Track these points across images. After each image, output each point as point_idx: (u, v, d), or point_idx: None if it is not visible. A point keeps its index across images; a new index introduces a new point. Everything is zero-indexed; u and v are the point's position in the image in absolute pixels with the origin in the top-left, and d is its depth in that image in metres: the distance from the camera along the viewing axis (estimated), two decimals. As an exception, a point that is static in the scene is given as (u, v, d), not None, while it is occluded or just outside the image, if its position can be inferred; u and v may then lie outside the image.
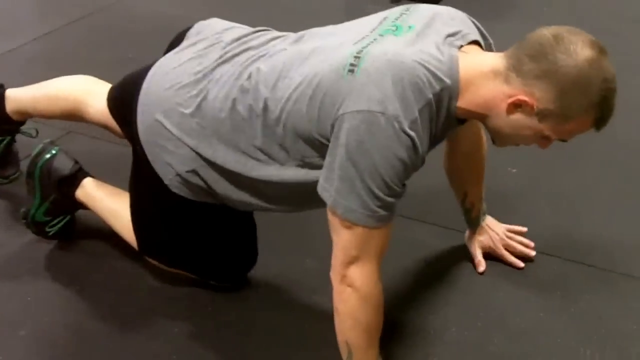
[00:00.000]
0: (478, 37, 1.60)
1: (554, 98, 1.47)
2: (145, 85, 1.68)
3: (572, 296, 2.00)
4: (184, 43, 1.74)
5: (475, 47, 1.58)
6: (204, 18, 1.88)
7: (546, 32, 1.48)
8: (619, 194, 2.36)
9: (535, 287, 2.03)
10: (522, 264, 2.06)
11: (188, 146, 1.62)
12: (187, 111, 1.60)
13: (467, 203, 2.04)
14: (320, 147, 1.50)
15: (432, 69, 1.45)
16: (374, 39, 1.50)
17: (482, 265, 2.05)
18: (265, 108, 1.53)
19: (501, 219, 2.15)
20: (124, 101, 1.77)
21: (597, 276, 2.06)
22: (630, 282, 2.02)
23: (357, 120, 1.40)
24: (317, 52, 1.53)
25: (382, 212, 1.45)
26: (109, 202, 1.98)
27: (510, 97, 1.49)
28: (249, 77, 1.56)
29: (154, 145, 1.66)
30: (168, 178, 1.67)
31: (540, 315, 1.95)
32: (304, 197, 1.59)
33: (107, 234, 2.10)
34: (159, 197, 1.72)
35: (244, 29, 1.75)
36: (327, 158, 1.46)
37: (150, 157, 1.68)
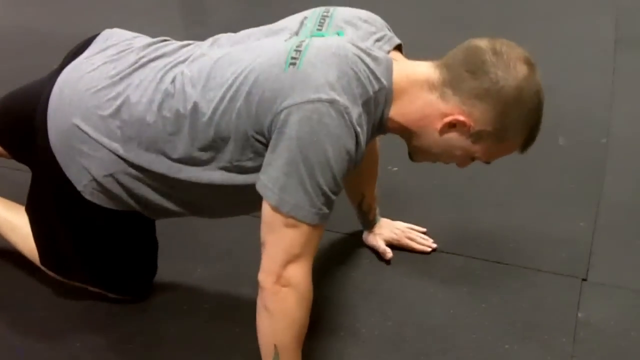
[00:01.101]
0: (399, 41, 1.55)
1: (493, 119, 1.43)
2: (56, 89, 1.58)
3: (481, 292, 1.93)
4: (93, 48, 1.66)
5: (399, 54, 1.54)
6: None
7: (482, 45, 1.43)
8: (505, 184, 2.34)
9: (442, 284, 1.96)
10: (429, 249, 2.04)
11: (107, 149, 1.54)
12: (106, 113, 1.53)
13: (364, 205, 1.99)
14: (253, 146, 1.43)
15: (372, 67, 1.41)
16: (307, 38, 1.45)
17: (389, 252, 2.01)
18: (195, 109, 1.46)
19: (396, 220, 2.12)
20: (22, 110, 1.67)
21: (504, 271, 2.00)
22: (539, 275, 1.98)
23: (308, 111, 1.33)
24: (248, 51, 1.47)
25: (325, 209, 1.39)
26: (6, 214, 1.88)
27: (446, 116, 1.44)
28: (173, 80, 1.50)
29: (69, 149, 1.56)
30: (82, 184, 1.58)
31: (451, 311, 1.88)
32: (233, 199, 1.55)
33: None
34: (66, 207, 1.65)
35: (150, 38, 1.69)
36: (269, 155, 1.38)
37: (62, 163, 1.57)
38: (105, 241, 1.71)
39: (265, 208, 1.39)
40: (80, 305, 1.89)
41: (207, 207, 1.63)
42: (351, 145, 1.35)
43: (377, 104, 1.42)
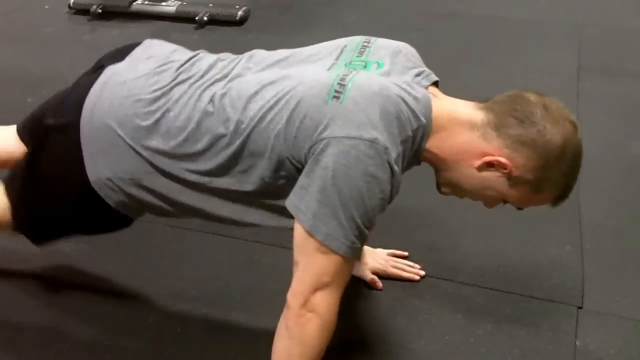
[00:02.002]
0: (437, 78, 1.57)
1: (534, 169, 1.44)
2: (96, 87, 1.58)
3: (476, 318, 1.88)
4: (136, 56, 1.65)
5: (436, 89, 1.56)
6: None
7: (533, 98, 1.46)
8: (481, 205, 2.21)
9: (435, 310, 1.91)
10: (418, 277, 1.99)
11: (140, 155, 1.53)
12: (144, 124, 1.52)
13: None
14: (287, 169, 1.44)
15: (412, 106, 1.42)
16: (350, 71, 1.46)
17: (378, 281, 1.97)
18: (236, 130, 1.46)
19: (378, 244, 2.07)
20: (55, 104, 1.67)
21: (496, 297, 1.95)
22: (533, 302, 1.94)
23: (347, 146, 1.35)
24: (289, 77, 1.48)
25: (358, 243, 1.40)
26: None
27: (486, 154, 1.46)
28: (211, 100, 1.50)
29: (99, 145, 1.55)
30: (98, 177, 1.56)
31: (447, 338, 1.83)
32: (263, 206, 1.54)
33: None
34: (67, 188, 1.62)
35: (187, 51, 1.71)
36: (303, 179, 1.40)
37: (86, 153, 1.56)
38: (87, 223, 1.70)
39: (298, 229, 1.40)
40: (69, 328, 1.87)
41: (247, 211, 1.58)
42: (386, 185, 1.37)
43: (414, 141, 1.44)
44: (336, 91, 1.39)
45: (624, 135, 2.64)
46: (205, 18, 3.58)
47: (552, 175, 1.45)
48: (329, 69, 1.48)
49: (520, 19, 3.49)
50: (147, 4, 3.79)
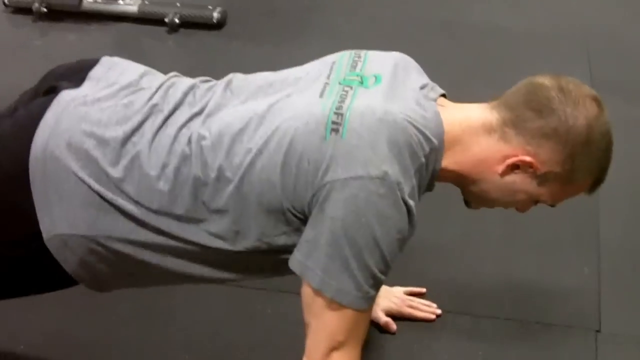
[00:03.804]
0: (442, 91, 1.46)
1: (562, 160, 1.35)
2: (50, 118, 1.35)
3: (497, 353, 1.86)
4: (97, 77, 1.45)
5: (446, 100, 1.45)
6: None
7: (547, 82, 1.36)
8: (498, 235, 2.23)
9: (454, 349, 1.88)
10: (433, 316, 1.92)
11: (112, 205, 1.33)
12: (112, 170, 1.33)
13: None
14: (289, 221, 1.32)
15: (422, 128, 1.31)
16: (346, 92, 1.34)
17: (391, 324, 1.89)
18: (219, 177, 1.31)
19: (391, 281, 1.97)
20: None
21: (515, 328, 1.93)
22: (552, 330, 1.91)
23: (354, 189, 1.23)
24: (278, 110, 1.34)
25: (373, 292, 1.30)
26: None
27: (508, 157, 1.36)
28: (189, 141, 1.34)
29: (54, 190, 1.33)
30: (53, 233, 1.34)
31: None
32: (262, 267, 1.42)
33: None
34: (11, 241, 1.38)
35: (157, 74, 1.52)
36: (309, 231, 1.28)
37: (39, 203, 1.33)
38: (23, 283, 1.48)
39: (306, 289, 1.30)
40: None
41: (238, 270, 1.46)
42: (403, 224, 1.27)
43: (427, 167, 1.34)
44: (334, 122, 1.27)
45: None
46: (176, 20, 3.26)
47: (583, 163, 1.35)
48: (321, 95, 1.34)
49: (520, 30, 3.32)
50: (100, 3, 3.39)
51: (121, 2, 3.37)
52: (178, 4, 3.33)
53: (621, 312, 1.94)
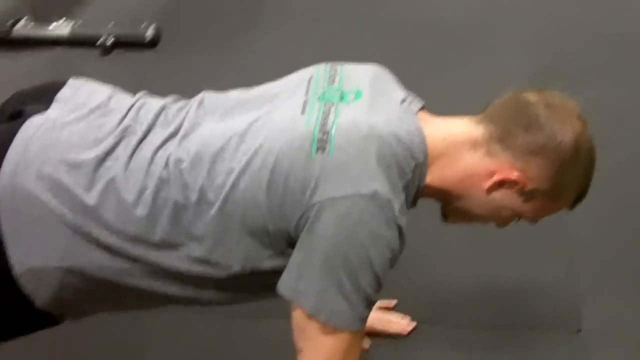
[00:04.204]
0: (422, 102, 1.43)
1: (549, 177, 1.32)
2: (19, 145, 1.29)
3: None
4: (64, 100, 1.40)
5: (425, 113, 1.41)
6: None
7: (534, 98, 1.34)
8: (464, 238, 2.09)
9: (435, 359, 1.82)
10: (407, 330, 1.87)
11: (86, 237, 1.27)
12: (87, 197, 1.27)
13: None
14: (274, 243, 1.27)
15: (407, 143, 1.28)
16: (328, 108, 1.30)
17: (365, 342, 1.80)
18: (200, 200, 1.26)
19: None
20: None
21: (494, 335, 1.87)
22: (532, 333, 1.87)
23: (346, 208, 1.20)
24: (259, 127, 1.30)
25: (366, 312, 1.27)
26: None
27: (495, 173, 1.33)
28: (167, 163, 1.28)
29: (25, 221, 1.27)
30: (25, 267, 1.27)
31: None
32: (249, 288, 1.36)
33: None
34: None
35: (125, 95, 1.46)
36: (298, 254, 1.24)
37: (8, 236, 1.26)
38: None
39: (297, 313, 1.25)
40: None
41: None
42: (395, 243, 1.24)
43: (413, 182, 1.30)
44: (319, 140, 1.23)
45: (599, 146, 2.53)
46: (110, 41, 3.17)
47: (569, 179, 1.34)
48: (303, 111, 1.30)
49: (459, 21, 3.23)
50: (31, 29, 3.29)
51: (52, 26, 3.28)
52: (112, 24, 3.25)
53: (599, 310, 1.90)
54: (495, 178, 1.32)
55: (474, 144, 1.33)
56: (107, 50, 3.18)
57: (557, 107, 1.32)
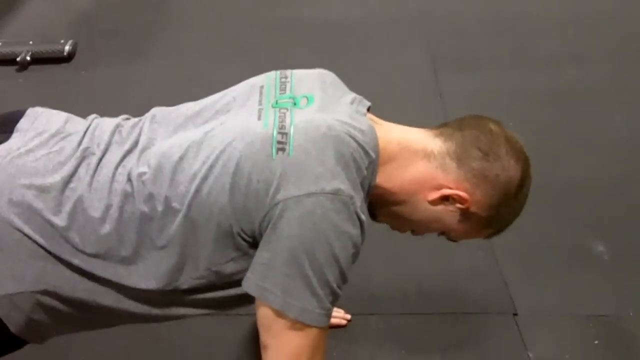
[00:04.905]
0: (369, 103, 1.46)
1: (491, 206, 1.36)
2: None
3: (421, 350, 1.83)
4: (25, 128, 1.41)
5: (372, 115, 1.43)
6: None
7: (495, 129, 1.37)
8: (380, 225, 2.14)
9: (376, 352, 1.83)
10: (344, 322, 1.91)
11: (58, 259, 1.28)
12: (56, 219, 1.28)
13: None
14: (238, 245, 1.28)
15: (361, 142, 1.30)
16: (283, 113, 1.32)
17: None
18: (166, 210, 1.28)
19: None
20: None
21: (430, 321, 1.91)
22: (469, 318, 1.91)
23: (309, 205, 1.20)
24: (217, 134, 1.31)
25: (332, 307, 1.28)
26: None
27: (444, 187, 1.35)
28: (129, 178, 1.31)
29: None
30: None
31: None
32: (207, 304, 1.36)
33: None
34: None
35: (79, 119, 1.47)
36: (262, 253, 1.24)
37: None
38: None
39: (264, 311, 1.25)
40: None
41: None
42: (357, 238, 1.25)
43: (368, 179, 1.32)
44: (279, 142, 1.24)
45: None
46: (28, 58, 3.20)
47: (504, 214, 1.39)
48: (259, 117, 1.32)
49: (356, 20, 3.40)
50: None
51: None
52: (31, 42, 3.27)
53: (529, 290, 1.97)
54: (445, 192, 1.34)
55: (428, 155, 1.36)
56: (24, 66, 3.21)
57: (514, 144, 1.36)
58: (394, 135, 1.37)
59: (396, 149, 1.35)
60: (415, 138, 1.38)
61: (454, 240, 1.47)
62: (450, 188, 1.34)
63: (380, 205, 1.41)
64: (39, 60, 3.23)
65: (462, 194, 1.33)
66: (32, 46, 3.24)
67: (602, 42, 3.12)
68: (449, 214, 1.37)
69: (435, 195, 1.34)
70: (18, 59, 3.18)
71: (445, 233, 1.44)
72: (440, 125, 1.41)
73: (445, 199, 1.35)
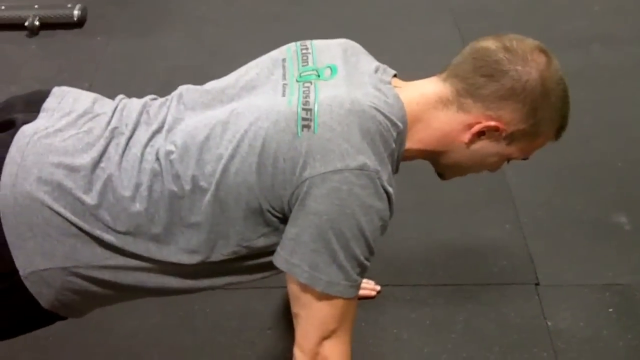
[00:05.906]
0: (394, 71, 1.45)
1: (525, 117, 1.34)
2: (15, 153, 1.31)
3: (444, 321, 1.86)
4: (52, 108, 1.41)
5: (398, 80, 1.43)
6: None
7: (492, 45, 1.35)
8: (412, 201, 2.17)
9: (401, 322, 1.86)
10: (374, 293, 1.93)
11: (89, 235, 1.30)
12: (86, 196, 1.29)
13: None
14: (268, 221, 1.30)
15: (387, 114, 1.30)
16: (307, 87, 1.32)
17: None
18: (194, 189, 1.29)
19: None
20: None
21: (454, 293, 1.93)
22: (491, 289, 1.94)
23: (335, 182, 1.22)
24: (242, 113, 1.31)
25: (360, 279, 1.30)
26: None
27: (471, 126, 1.35)
28: (157, 157, 1.32)
29: (28, 225, 1.28)
30: (29, 270, 1.30)
31: (425, 350, 1.79)
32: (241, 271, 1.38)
33: None
34: None
35: (106, 99, 1.48)
36: (291, 229, 1.27)
37: (11, 240, 1.28)
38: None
39: (293, 284, 1.29)
40: None
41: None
42: (385, 211, 1.27)
43: (396, 150, 1.33)
44: (304, 119, 1.25)
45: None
46: (36, 22, 3.10)
47: (545, 114, 1.35)
48: (283, 94, 1.33)
49: None
50: None
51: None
52: (36, 6, 3.17)
53: (553, 262, 1.99)
54: (473, 130, 1.35)
55: (445, 102, 1.36)
56: (34, 32, 3.12)
57: (515, 48, 1.33)
58: (413, 96, 1.37)
59: (417, 110, 1.36)
60: (430, 90, 1.38)
61: (524, 159, 1.45)
62: (478, 123, 1.34)
63: (433, 163, 1.45)
64: (48, 25, 3.13)
65: (491, 123, 1.33)
66: (38, 10, 3.14)
67: (629, 22, 3.09)
68: (493, 144, 1.37)
69: (468, 136, 1.35)
70: (26, 23, 3.09)
71: (509, 159, 1.43)
72: (445, 67, 1.39)
73: (480, 134, 1.35)
